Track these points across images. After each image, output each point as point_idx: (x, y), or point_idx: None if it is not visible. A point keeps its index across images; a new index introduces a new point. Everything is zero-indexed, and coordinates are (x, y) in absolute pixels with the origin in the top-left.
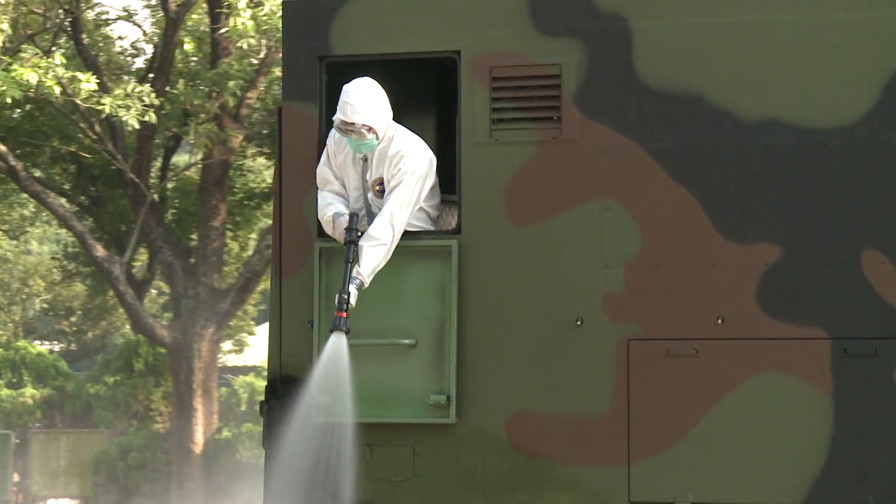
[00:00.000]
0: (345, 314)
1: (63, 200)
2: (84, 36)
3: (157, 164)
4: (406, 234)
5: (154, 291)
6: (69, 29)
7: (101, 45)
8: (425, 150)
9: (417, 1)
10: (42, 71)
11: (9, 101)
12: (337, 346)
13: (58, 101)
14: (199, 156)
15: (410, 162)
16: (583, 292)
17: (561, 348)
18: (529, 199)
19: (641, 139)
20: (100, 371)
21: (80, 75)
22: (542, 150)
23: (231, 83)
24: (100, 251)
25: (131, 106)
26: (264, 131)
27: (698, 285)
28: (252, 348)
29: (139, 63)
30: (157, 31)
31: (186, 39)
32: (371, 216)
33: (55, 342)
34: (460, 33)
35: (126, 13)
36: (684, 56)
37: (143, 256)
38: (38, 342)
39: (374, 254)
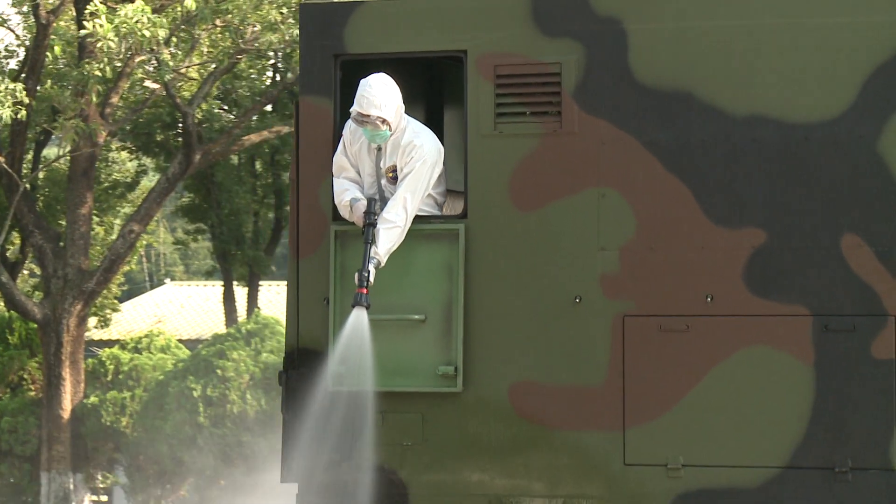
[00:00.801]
0: (365, 290)
1: None
2: None
3: (30, 156)
4: (416, 219)
5: (26, 272)
6: None
7: None
8: (435, 141)
9: (426, 4)
10: None
11: None
12: (359, 319)
13: None
14: (68, 148)
15: (422, 151)
16: (581, 272)
17: (561, 324)
18: (531, 186)
19: (636, 132)
20: None
21: None
22: (544, 142)
23: (91, 82)
24: None
25: (4, 102)
26: (127, 127)
27: (689, 266)
28: (117, 323)
29: (12, 64)
30: (29, 35)
31: (55, 43)
32: (384, 201)
33: None
34: (467, 34)
35: (1, 19)
36: (676, 56)
37: (16, 240)
38: None
39: (389, 235)
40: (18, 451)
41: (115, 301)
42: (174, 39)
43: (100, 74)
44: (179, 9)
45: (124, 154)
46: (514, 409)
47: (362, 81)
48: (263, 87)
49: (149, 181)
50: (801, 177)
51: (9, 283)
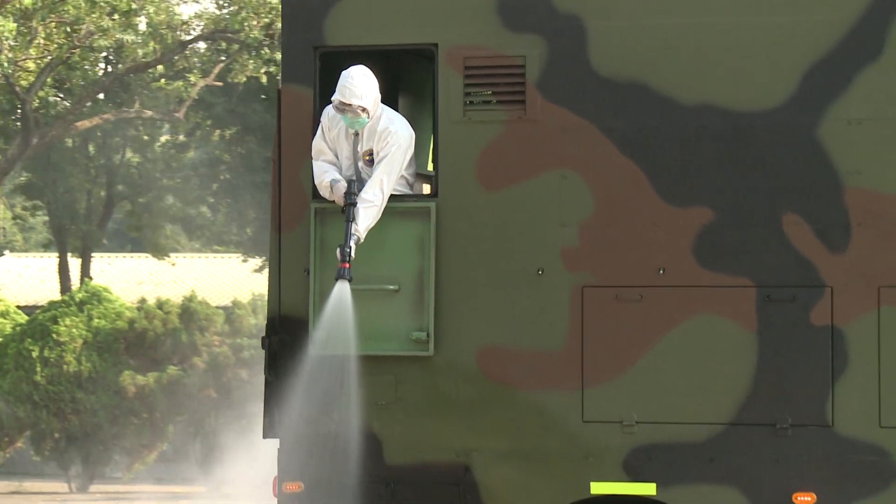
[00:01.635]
0: (348, 265)
1: None
2: None
3: None
4: (391, 198)
5: None
6: None
7: None
8: (407, 127)
9: (400, 1)
10: None
11: None
12: (342, 291)
13: None
14: None
15: (396, 137)
16: (543, 247)
17: (524, 293)
18: (497, 168)
19: (594, 119)
20: None
21: None
22: (509, 128)
23: None
24: None
25: None
26: None
27: (643, 241)
28: None
29: None
30: None
31: None
32: (361, 182)
33: None
34: (438, 29)
35: None
36: (632, 50)
37: None
38: None
39: (368, 214)
40: None
41: None
42: (12, 33)
43: None
44: (18, 5)
45: None
46: (481, 371)
47: (344, 73)
48: (96, 77)
49: None
50: (746, 161)
51: None
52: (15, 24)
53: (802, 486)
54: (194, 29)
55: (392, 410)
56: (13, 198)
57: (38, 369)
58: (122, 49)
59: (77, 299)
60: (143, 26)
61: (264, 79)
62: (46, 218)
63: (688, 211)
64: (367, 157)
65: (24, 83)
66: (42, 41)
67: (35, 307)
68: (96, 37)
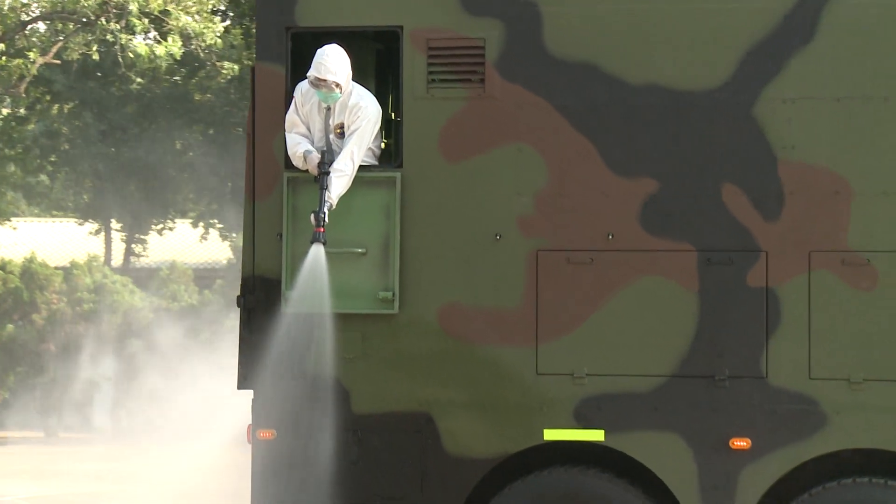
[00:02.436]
0: (322, 229)
1: None
2: None
3: None
4: (359, 168)
5: None
6: None
7: None
8: (375, 103)
9: None
10: None
11: None
12: (318, 253)
13: None
14: None
15: (366, 112)
16: (501, 214)
17: (483, 256)
18: (458, 141)
19: (549, 97)
20: None
21: None
22: (469, 105)
23: None
24: None
25: None
26: None
27: (593, 209)
28: None
29: None
30: None
31: None
32: (332, 153)
33: None
34: (403, 12)
35: None
36: (583, 34)
37: None
38: None
39: (340, 182)
40: None
41: None
42: None
43: None
44: None
45: None
46: (442, 328)
47: (319, 51)
48: None
49: None
50: (688, 135)
51: None
52: None
53: (738, 433)
54: (34, 10)
55: (359, 364)
56: None
57: None
58: None
59: None
60: None
61: (96, 56)
62: None
63: (634, 182)
64: (339, 130)
65: None
66: None
67: None
68: None
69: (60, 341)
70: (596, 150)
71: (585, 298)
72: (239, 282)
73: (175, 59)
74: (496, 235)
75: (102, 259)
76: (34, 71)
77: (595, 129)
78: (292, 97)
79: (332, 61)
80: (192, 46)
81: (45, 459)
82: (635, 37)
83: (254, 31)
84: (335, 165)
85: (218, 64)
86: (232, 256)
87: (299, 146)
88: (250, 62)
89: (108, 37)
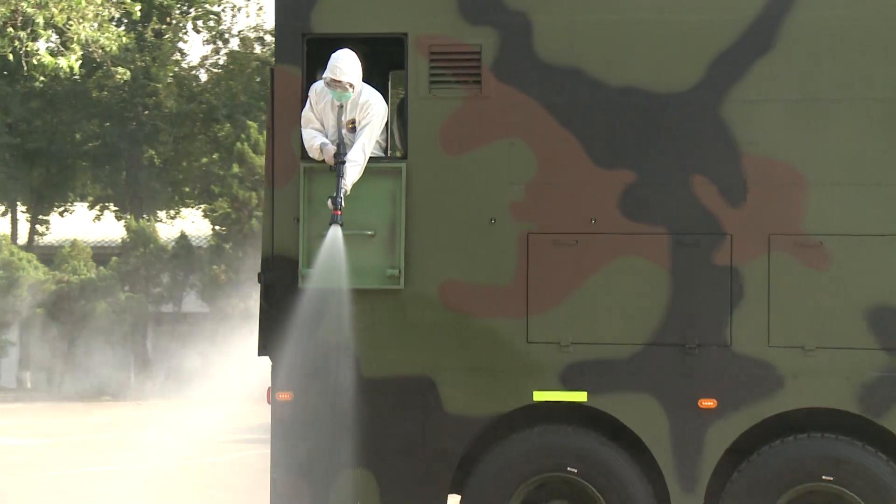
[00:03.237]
0: (339, 212)
1: None
2: None
3: None
4: (369, 159)
5: None
6: None
7: None
8: (383, 101)
9: None
10: None
11: None
12: (335, 234)
13: None
14: None
15: (375, 109)
16: (495, 201)
17: (479, 239)
18: (457, 136)
19: (538, 97)
20: None
21: None
22: (467, 103)
23: None
24: None
25: None
26: None
27: (577, 197)
28: None
29: None
30: None
31: None
32: (345, 146)
33: None
34: (408, 20)
35: None
36: (569, 41)
37: None
38: None
39: (353, 171)
40: None
41: None
42: None
43: None
44: None
45: None
46: (442, 302)
47: (334, 55)
48: None
49: None
50: (662, 132)
51: None
52: None
53: (706, 394)
54: None
55: (369, 333)
56: None
57: None
58: None
59: None
60: None
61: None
62: None
63: (614, 172)
64: (350, 126)
65: None
66: None
67: None
68: None
69: None
70: (580, 145)
71: (570, 276)
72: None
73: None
74: (491, 220)
75: (9, 238)
76: None
77: (579, 125)
78: (307, 96)
79: (346, 64)
80: (91, 50)
81: None
82: (615, 44)
83: (146, 36)
84: (349, 156)
85: (113, 68)
86: (125, 236)
87: (315, 139)
88: (143, 64)
89: (16, 43)
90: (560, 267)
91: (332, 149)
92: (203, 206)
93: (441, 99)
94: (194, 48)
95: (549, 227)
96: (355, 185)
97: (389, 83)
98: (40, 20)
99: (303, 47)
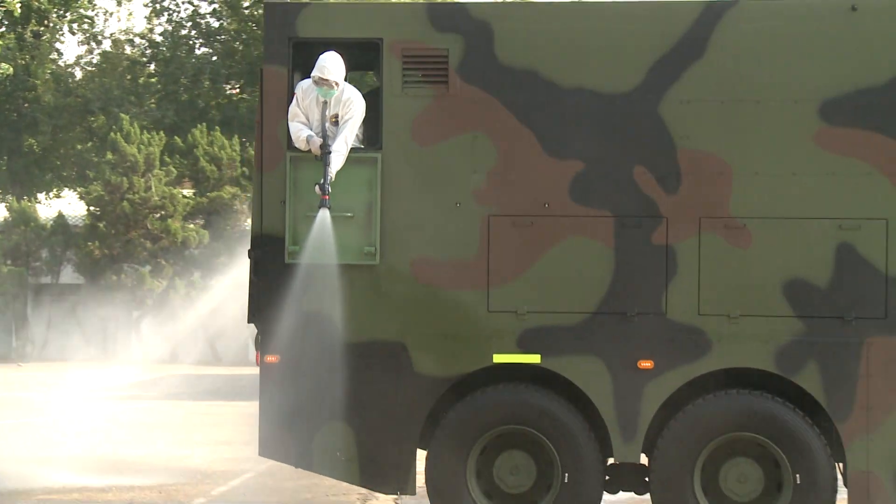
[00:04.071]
0: (327, 196)
1: None
2: None
3: None
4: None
5: None
6: None
7: None
8: (361, 99)
9: (355, 6)
10: None
11: None
12: (324, 216)
13: None
14: None
15: (355, 105)
16: (460, 187)
17: (447, 219)
18: (427, 129)
19: (498, 95)
20: None
21: None
22: (435, 101)
23: None
24: None
25: None
26: None
27: (533, 184)
28: None
29: None
30: None
31: None
32: (327, 138)
33: None
34: (383, 28)
35: None
36: (525, 46)
37: None
38: None
39: (338, 160)
40: None
41: None
42: None
43: None
44: None
45: None
46: (413, 276)
47: (321, 56)
48: None
49: None
50: (607, 127)
51: None
52: None
53: (644, 356)
54: None
55: (347, 304)
56: None
57: None
58: None
59: None
60: None
61: None
62: None
63: (565, 162)
64: (333, 120)
65: None
66: None
67: None
68: None
69: None
70: (535, 138)
71: (526, 253)
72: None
73: None
74: (456, 203)
75: None
76: None
77: (535, 121)
78: (294, 94)
79: (332, 65)
80: None
81: None
82: (567, 50)
83: (25, 37)
84: (334, 147)
85: None
86: (8, 216)
87: (302, 132)
88: (23, 62)
89: None
90: (517, 245)
91: (318, 140)
92: (79, 190)
93: (412, 97)
94: (70, 48)
95: (508, 210)
96: (337, 172)
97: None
98: None
99: (289, 50)
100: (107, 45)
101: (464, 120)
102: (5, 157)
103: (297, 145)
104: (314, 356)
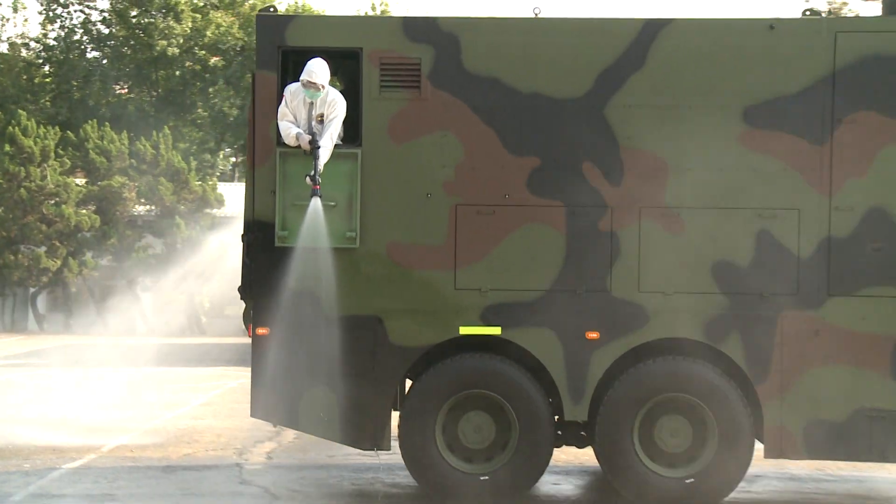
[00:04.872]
0: (318, 187)
1: None
2: None
3: None
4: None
5: None
6: None
7: None
8: (343, 100)
9: (337, 19)
10: None
11: None
12: (316, 204)
13: None
14: None
15: (339, 106)
16: (431, 180)
17: (418, 208)
18: (402, 128)
19: (465, 99)
20: None
21: None
22: (409, 104)
23: None
24: None
25: None
26: None
27: (495, 178)
28: None
29: None
30: None
31: None
32: (314, 136)
33: None
34: (363, 38)
35: None
36: (489, 56)
37: None
38: None
39: (324, 155)
40: None
41: None
42: None
43: None
44: None
45: None
46: (389, 258)
47: (309, 61)
48: None
49: None
50: (560, 128)
51: None
52: None
53: (591, 328)
54: None
55: (332, 283)
56: None
57: None
58: None
59: None
60: None
61: None
62: None
63: (523, 159)
64: (319, 119)
65: None
66: None
67: None
68: None
69: None
70: (497, 137)
71: (489, 238)
72: None
73: None
74: (427, 194)
75: None
76: None
77: (497, 122)
78: (283, 96)
79: (319, 70)
80: None
81: None
82: (526, 60)
83: None
84: (321, 143)
85: None
86: None
87: (291, 130)
88: None
89: None
90: (481, 231)
91: (307, 137)
92: None
93: (389, 100)
94: None
95: (473, 200)
96: (323, 166)
97: None
98: None
99: (278, 57)
100: (3, 47)
101: (434, 120)
102: None
103: (286, 142)
104: (300, 329)
